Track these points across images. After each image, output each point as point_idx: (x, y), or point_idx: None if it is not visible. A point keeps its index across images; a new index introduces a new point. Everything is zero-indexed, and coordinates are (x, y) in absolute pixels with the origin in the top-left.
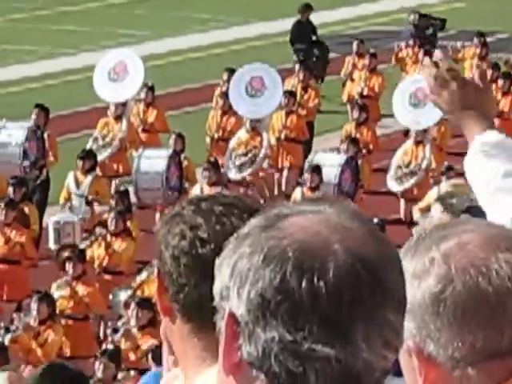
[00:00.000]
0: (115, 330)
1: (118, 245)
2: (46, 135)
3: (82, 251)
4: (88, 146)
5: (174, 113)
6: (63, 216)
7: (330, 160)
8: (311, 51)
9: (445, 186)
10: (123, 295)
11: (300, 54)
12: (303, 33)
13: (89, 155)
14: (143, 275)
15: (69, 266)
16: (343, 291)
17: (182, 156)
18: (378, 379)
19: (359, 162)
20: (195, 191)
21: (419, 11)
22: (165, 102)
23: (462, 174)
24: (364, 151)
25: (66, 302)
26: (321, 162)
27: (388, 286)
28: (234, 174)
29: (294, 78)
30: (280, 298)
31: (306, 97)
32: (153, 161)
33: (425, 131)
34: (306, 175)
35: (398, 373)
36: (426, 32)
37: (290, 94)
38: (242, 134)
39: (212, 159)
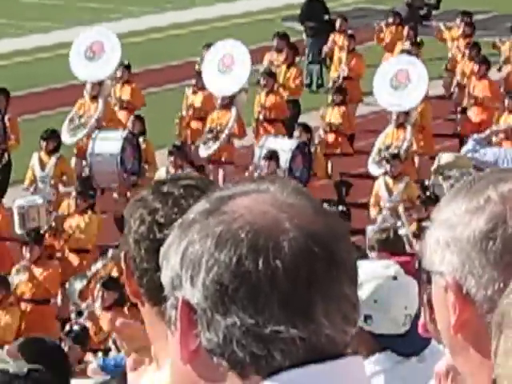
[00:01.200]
0: (79, 313)
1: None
2: (6, 118)
3: (39, 234)
4: (64, 127)
5: (154, 89)
6: (27, 200)
7: (280, 145)
8: (322, 30)
9: (446, 156)
10: (78, 284)
11: (311, 31)
12: (313, 11)
13: (52, 135)
14: (98, 264)
15: (26, 250)
16: (300, 269)
17: (141, 138)
18: (340, 353)
19: (312, 149)
20: (161, 174)
21: None
22: (145, 79)
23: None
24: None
25: (25, 286)
26: (271, 147)
27: (341, 260)
28: (202, 152)
29: (273, 54)
30: (238, 282)
31: (288, 75)
32: (107, 142)
33: (406, 114)
34: (263, 162)
35: None
36: (420, 12)
37: (268, 74)
38: (215, 112)
39: (177, 142)
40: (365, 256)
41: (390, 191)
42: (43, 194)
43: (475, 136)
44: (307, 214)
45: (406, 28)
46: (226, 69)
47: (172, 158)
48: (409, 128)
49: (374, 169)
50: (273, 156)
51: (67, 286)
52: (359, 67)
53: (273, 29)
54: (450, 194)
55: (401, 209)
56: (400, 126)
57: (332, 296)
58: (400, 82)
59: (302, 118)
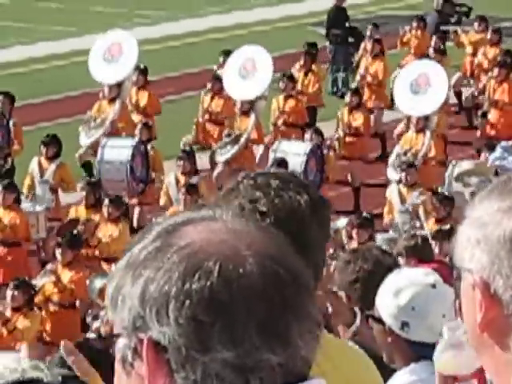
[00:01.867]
0: (95, 317)
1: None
2: (11, 123)
3: (76, 238)
4: (80, 128)
5: (172, 98)
6: (26, 206)
7: (295, 148)
8: (345, 38)
9: (465, 163)
10: (99, 282)
11: (336, 38)
12: (339, 19)
13: (52, 141)
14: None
15: (57, 252)
16: (272, 293)
17: (149, 146)
18: (308, 369)
19: (324, 152)
20: (170, 180)
21: None
22: (162, 86)
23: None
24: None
25: (51, 289)
26: (286, 150)
27: (303, 278)
28: (219, 157)
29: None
30: (213, 315)
31: (306, 82)
32: (117, 150)
33: (426, 119)
34: (272, 169)
35: None
36: (451, 19)
37: (289, 78)
38: (237, 119)
39: (187, 148)
40: (396, 264)
41: (403, 200)
42: (43, 201)
43: (503, 143)
44: (259, 238)
45: (434, 37)
46: (248, 74)
47: (181, 163)
48: (428, 133)
49: (391, 173)
50: (281, 163)
51: (87, 282)
52: (381, 71)
53: (291, 36)
54: (484, 193)
55: (421, 211)
56: (420, 131)
57: (302, 316)
58: (420, 87)
59: (326, 125)
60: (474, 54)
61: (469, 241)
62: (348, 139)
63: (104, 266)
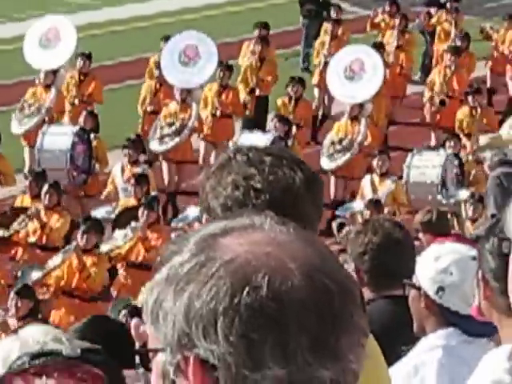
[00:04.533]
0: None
1: (54, 220)
2: None
3: (99, 222)
4: (13, 116)
5: (114, 86)
6: None
7: (256, 140)
8: (319, 13)
9: (481, 139)
10: (33, 274)
11: (310, 13)
12: None
13: None
14: (57, 260)
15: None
16: (322, 307)
17: (92, 135)
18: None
19: (289, 142)
20: (116, 171)
21: None
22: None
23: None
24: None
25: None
26: (246, 143)
27: (349, 289)
28: (156, 146)
29: (250, 47)
30: (264, 331)
31: (262, 70)
32: (57, 138)
33: (360, 106)
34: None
35: None
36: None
37: (226, 67)
38: (172, 105)
39: (133, 136)
40: (407, 237)
41: (375, 190)
42: None
43: None
44: (302, 248)
45: (398, 17)
46: (189, 61)
47: (126, 152)
48: (363, 121)
49: (325, 163)
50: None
51: (19, 274)
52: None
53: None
54: None
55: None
56: (353, 118)
57: (351, 329)
58: (354, 73)
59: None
60: None
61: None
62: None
63: (40, 254)
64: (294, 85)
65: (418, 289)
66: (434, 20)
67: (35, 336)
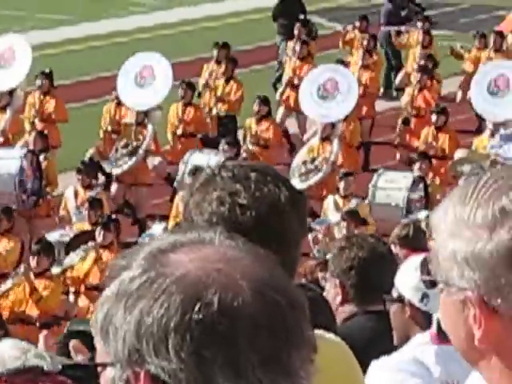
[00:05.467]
0: None
1: (3, 245)
2: None
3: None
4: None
5: (73, 105)
6: None
7: (207, 160)
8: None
9: (460, 152)
10: None
11: (282, 29)
12: (289, 8)
13: None
14: (8, 283)
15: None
16: (273, 323)
17: (42, 156)
18: None
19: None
20: (69, 195)
21: None
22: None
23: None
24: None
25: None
26: (198, 163)
27: (298, 303)
28: (112, 168)
29: (214, 65)
30: (215, 349)
31: (227, 89)
32: (4, 162)
33: (333, 126)
34: (188, 179)
35: None
36: (401, 13)
37: (188, 86)
38: (131, 128)
39: (86, 159)
40: (390, 252)
41: (338, 211)
42: None
43: (502, 131)
44: (251, 264)
45: (366, 37)
46: (145, 82)
47: (80, 176)
48: (335, 141)
49: (296, 183)
50: (198, 171)
51: None
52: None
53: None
54: (452, 200)
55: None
56: (325, 138)
57: (302, 344)
58: (328, 92)
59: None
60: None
61: (455, 258)
62: (256, 150)
63: None
64: (258, 103)
65: (401, 300)
66: (403, 39)
67: (10, 352)
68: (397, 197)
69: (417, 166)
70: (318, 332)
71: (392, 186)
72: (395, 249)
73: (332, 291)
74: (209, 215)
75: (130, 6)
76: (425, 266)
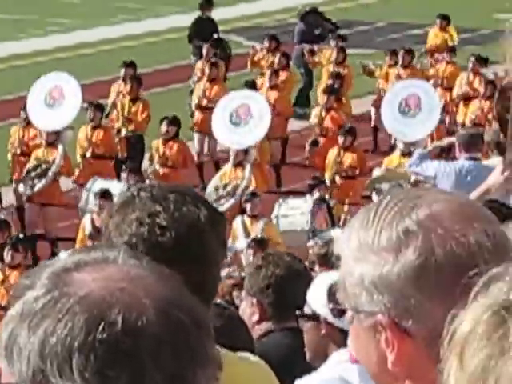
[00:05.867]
0: None
1: None
2: None
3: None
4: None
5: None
6: None
7: (110, 187)
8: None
9: (377, 170)
10: None
11: (197, 50)
12: (201, 29)
13: None
14: None
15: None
16: (178, 342)
17: None
18: None
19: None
20: None
21: (315, 8)
22: None
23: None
24: None
25: None
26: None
27: (203, 321)
28: (22, 189)
29: (121, 85)
30: (119, 369)
31: (134, 109)
32: None
33: (245, 151)
34: (95, 202)
35: None
36: (315, 31)
37: (96, 108)
38: (40, 150)
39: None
40: (306, 269)
41: (247, 232)
42: None
43: (419, 150)
44: (156, 283)
45: (278, 55)
46: (54, 102)
47: None
48: (248, 166)
49: None
50: (106, 195)
51: None
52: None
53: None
54: (354, 226)
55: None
56: (238, 164)
57: (207, 363)
58: (241, 118)
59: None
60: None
61: (362, 282)
62: (164, 171)
63: None
64: (166, 124)
65: (315, 318)
66: (316, 58)
67: None
68: (301, 221)
69: (317, 188)
70: (239, 354)
71: (294, 213)
72: (316, 268)
73: (248, 310)
74: (128, 236)
75: (47, 26)
76: (332, 295)
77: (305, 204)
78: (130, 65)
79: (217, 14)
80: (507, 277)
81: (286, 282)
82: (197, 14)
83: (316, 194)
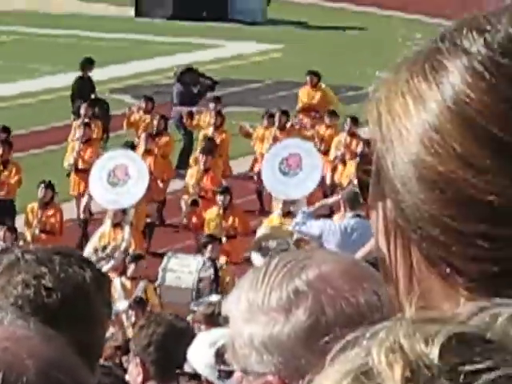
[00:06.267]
0: None
1: None
2: None
3: None
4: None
5: None
6: None
7: None
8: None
9: (262, 229)
10: None
11: (77, 110)
12: (81, 89)
13: None
14: None
15: None
16: None
17: None
18: None
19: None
20: None
21: (192, 67)
22: None
23: None
24: None
25: None
26: None
27: (84, 381)
28: None
29: None
30: None
31: (6, 173)
32: None
33: (124, 212)
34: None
35: None
36: (193, 89)
37: None
38: None
39: None
40: (189, 328)
41: (127, 293)
42: None
43: (304, 209)
44: (40, 344)
45: (157, 117)
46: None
47: None
48: (127, 228)
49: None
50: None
51: None
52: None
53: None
54: (243, 287)
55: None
56: (117, 225)
57: None
58: (118, 178)
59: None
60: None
61: (252, 343)
62: (43, 236)
63: None
64: (43, 188)
65: (196, 377)
66: (194, 121)
67: None
68: (187, 280)
69: (208, 248)
70: None
71: (183, 269)
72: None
73: (134, 371)
74: (14, 298)
75: None
76: (220, 356)
77: (194, 262)
78: (4, 130)
79: (96, 74)
80: (364, 341)
81: (168, 340)
82: (69, 74)
83: (207, 254)
